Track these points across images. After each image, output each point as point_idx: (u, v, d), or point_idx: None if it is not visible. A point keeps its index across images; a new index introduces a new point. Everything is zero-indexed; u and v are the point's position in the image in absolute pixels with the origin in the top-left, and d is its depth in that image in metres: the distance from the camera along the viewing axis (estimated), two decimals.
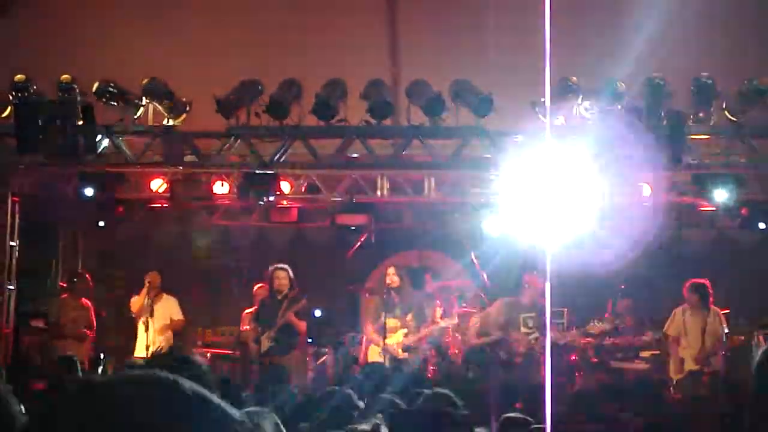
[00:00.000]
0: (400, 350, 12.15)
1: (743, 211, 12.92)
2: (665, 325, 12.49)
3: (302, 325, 12.23)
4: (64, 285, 13.64)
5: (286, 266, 12.37)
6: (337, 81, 10.63)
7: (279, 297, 12.24)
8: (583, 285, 12.78)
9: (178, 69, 11.22)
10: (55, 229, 14.62)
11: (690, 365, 12.00)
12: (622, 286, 13.20)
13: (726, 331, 12.30)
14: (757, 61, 10.82)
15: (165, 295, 13.12)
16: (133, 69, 11.14)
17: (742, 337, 13.08)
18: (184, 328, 13.46)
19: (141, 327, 12.83)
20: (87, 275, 13.44)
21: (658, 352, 12.93)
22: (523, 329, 12.24)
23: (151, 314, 12.79)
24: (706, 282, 12.26)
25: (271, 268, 12.41)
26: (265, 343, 12.15)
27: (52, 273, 14.25)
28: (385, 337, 12.17)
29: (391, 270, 12.56)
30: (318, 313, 12.63)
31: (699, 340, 12.08)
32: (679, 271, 13.42)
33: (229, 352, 13.72)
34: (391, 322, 12.17)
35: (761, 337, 12.71)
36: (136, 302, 12.92)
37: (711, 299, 12.22)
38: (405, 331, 12.27)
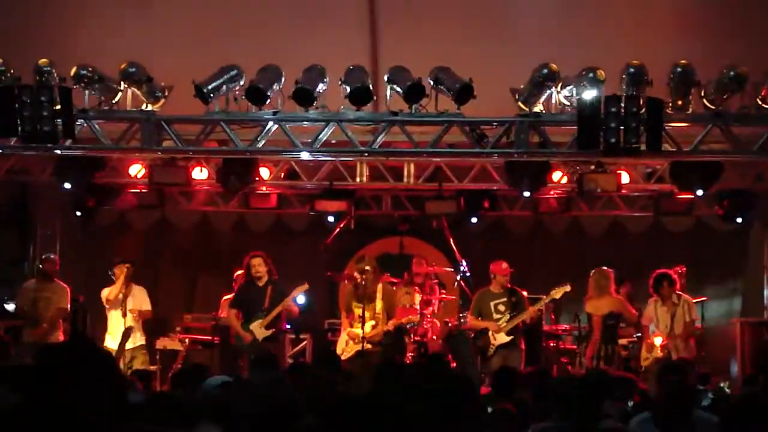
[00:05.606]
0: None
1: (724, 203, 12.94)
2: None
3: (296, 310, 12.30)
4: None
5: (260, 253, 12.37)
6: (316, 67, 10.59)
7: (260, 284, 12.23)
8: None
9: (156, 54, 11.14)
10: (33, 214, 14.50)
11: (657, 352, 12.11)
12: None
13: (697, 317, 12.39)
14: (736, 49, 10.85)
15: (134, 286, 12.93)
16: (111, 53, 11.06)
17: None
18: (155, 316, 13.35)
19: (116, 317, 12.69)
20: (55, 258, 13.20)
21: (635, 339, 13.02)
22: (495, 316, 12.45)
23: (123, 304, 12.65)
24: (670, 271, 12.33)
25: (247, 257, 12.41)
26: (260, 332, 12.11)
27: (29, 259, 14.13)
28: (357, 325, 12.16)
29: (363, 259, 12.58)
30: (301, 299, 12.59)
31: (667, 327, 12.19)
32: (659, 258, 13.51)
33: (209, 338, 13.67)
34: (360, 311, 12.17)
35: (738, 323, 12.81)
36: (111, 292, 12.75)
37: (677, 287, 12.29)
38: (373, 323, 12.25)
